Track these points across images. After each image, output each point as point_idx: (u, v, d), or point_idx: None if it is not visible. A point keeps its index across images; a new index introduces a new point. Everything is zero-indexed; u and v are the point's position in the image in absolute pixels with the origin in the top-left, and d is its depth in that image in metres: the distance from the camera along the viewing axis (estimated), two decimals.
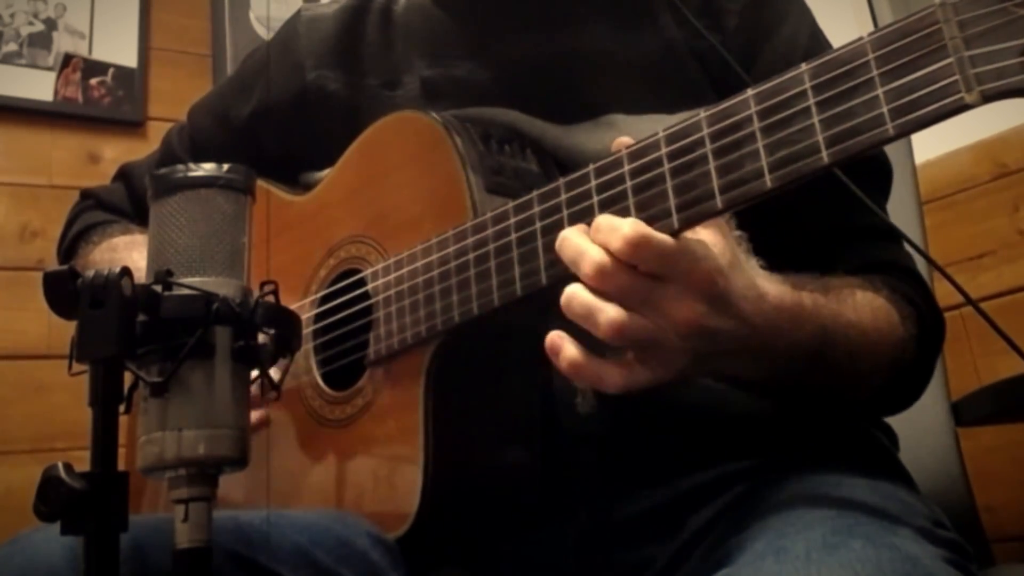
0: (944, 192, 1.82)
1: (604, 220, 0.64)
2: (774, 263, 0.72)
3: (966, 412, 1.15)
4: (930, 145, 1.78)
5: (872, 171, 0.88)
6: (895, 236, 0.87)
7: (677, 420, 0.81)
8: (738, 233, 0.69)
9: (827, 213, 0.84)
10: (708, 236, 0.65)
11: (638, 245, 0.61)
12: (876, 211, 0.81)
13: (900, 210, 1.04)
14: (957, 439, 1.16)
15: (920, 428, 1.08)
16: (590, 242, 0.64)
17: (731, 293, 0.63)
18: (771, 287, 0.68)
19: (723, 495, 0.78)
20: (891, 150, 0.91)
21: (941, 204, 1.82)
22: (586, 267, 0.63)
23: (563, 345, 0.65)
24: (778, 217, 0.75)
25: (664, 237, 0.62)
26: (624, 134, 0.70)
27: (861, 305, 0.76)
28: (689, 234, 0.64)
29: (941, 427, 1.16)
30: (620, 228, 0.62)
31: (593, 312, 0.63)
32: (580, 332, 0.65)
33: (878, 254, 0.86)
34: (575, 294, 0.64)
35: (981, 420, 1.21)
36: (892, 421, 0.92)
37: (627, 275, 0.62)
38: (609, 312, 0.62)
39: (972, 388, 1.18)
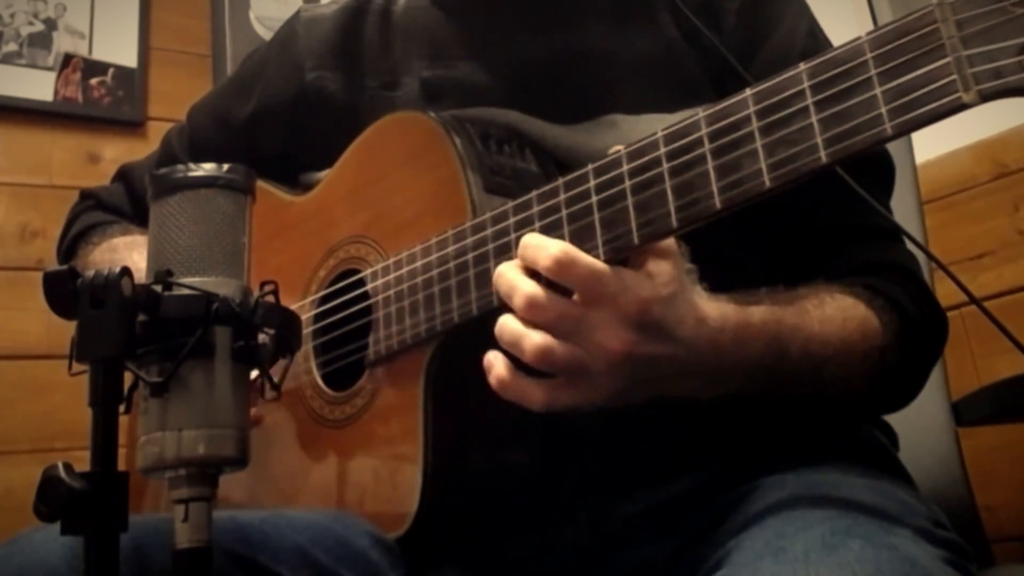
0: (944, 192, 1.82)
1: (532, 239, 0.66)
2: (769, 263, 0.72)
3: (966, 412, 1.14)
4: (930, 145, 1.78)
5: (874, 169, 0.88)
6: (896, 235, 0.87)
7: (676, 420, 0.81)
8: (689, 266, 0.70)
9: (828, 212, 0.84)
10: (654, 266, 0.66)
11: (564, 264, 0.64)
12: (879, 209, 0.81)
13: (900, 210, 1.03)
14: (957, 439, 1.16)
15: (920, 428, 1.08)
16: (522, 276, 0.66)
17: (665, 320, 0.65)
18: (712, 310, 0.68)
19: (722, 495, 0.78)
20: (891, 150, 0.91)
21: (941, 204, 1.82)
22: (517, 300, 0.66)
23: (494, 363, 0.68)
24: (779, 216, 0.75)
25: (592, 260, 0.64)
26: (624, 134, 0.71)
27: (830, 316, 0.76)
28: (632, 263, 0.66)
29: (941, 427, 1.15)
30: (547, 247, 0.65)
31: (519, 339, 0.66)
32: None
33: (877, 254, 0.86)
34: (505, 323, 0.67)
35: (981, 420, 1.21)
36: (892, 421, 0.92)
37: (556, 308, 0.65)
38: (534, 339, 0.65)
39: (972, 388, 1.18)
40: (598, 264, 0.64)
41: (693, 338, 0.66)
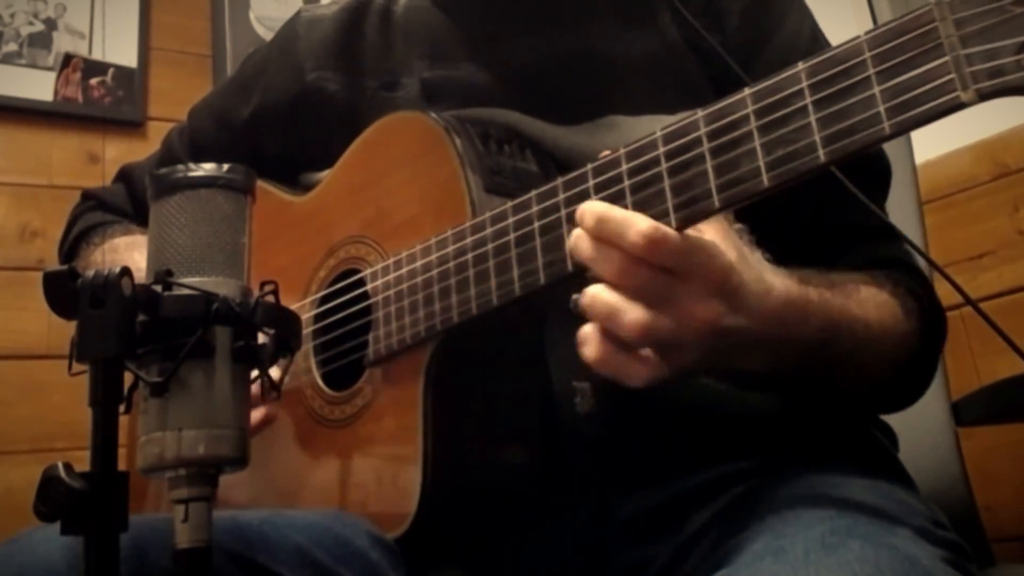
0: (944, 192, 1.82)
1: (612, 214, 0.63)
2: (777, 260, 0.72)
3: (966, 412, 1.15)
4: (930, 145, 1.78)
5: (871, 171, 0.88)
6: (895, 235, 0.87)
7: (676, 420, 0.81)
8: (739, 226, 0.69)
9: (827, 212, 0.84)
10: (712, 233, 0.65)
11: (657, 242, 0.61)
12: (875, 211, 0.81)
13: (900, 210, 1.04)
14: (957, 439, 1.16)
15: (920, 428, 1.08)
16: (599, 236, 0.63)
17: (743, 288, 0.64)
18: (778, 281, 0.68)
19: (722, 495, 0.78)
20: (891, 150, 0.91)
21: (941, 204, 1.82)
22: (604, 266, 0.63)
23: (589, 338, 0.65)
24: (778, 216, 0.75)
25: (677, 234, 0.62)
26: (625, 135, 0.71)
27: (865, 300, 0.77)
28: (692, 231, 0.64)
29: (941, 427, 1.16)
30: (635, 223, 0.62)
31: (617, 312, 0.63)
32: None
33: (880, 252, 0.86)
34: (597, 295, 0.64)
35: (981, 420, 1.21)
36: (892, 421, 0.92)
37: (648, 272, 0.62)
38: (634, 312, 0.62)
39: (972, 388, 1.18)
40: (688, 238, 0.62)
41: (760, 308, 0.65)
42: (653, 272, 0.62)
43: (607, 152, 0.69)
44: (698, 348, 0.64)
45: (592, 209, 0.64)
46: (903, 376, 0.82)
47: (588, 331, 0.65)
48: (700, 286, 0.62)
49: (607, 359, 0.64)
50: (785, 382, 0.76)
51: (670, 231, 0.62)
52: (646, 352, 0.64)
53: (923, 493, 0.84)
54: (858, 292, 0.77)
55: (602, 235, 0.63)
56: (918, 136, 1.28)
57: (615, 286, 0.63)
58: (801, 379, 0.75)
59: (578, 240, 0.65)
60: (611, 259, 0.63)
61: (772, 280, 0.67)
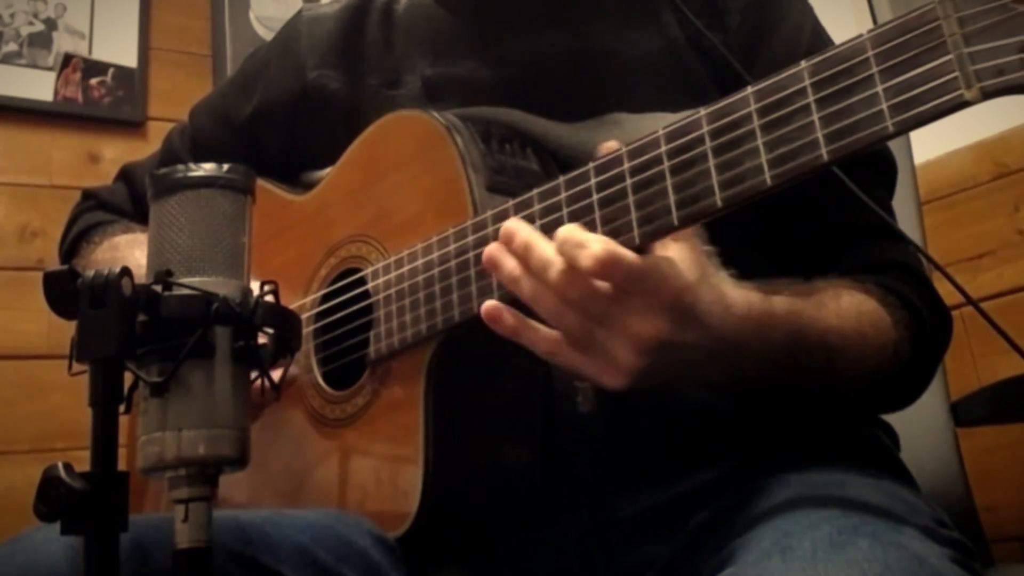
0: (944, 192, 1.82)
1: (569, 234, 0.64)
2: (774, 262, 0.72)
3: (965, 412, 1.15)
4: (930, 145, 1.78)
5: (876, 168, 0.88)
6: (898, 234, 0.87)
7: (678, 419, 0.81)
8: (707, 248, 0.69)
9: (830, 211, 0.84)
10: (676, 251, 0.66)
11: (606, 264, 0.62)
12: (877, 211, 0.81)
13: (900, 210, 1.03)
14: (957, 439, 1.16)
15: (920, 428, 1.08)
16: (555, 253, 0.65)
17: (696, 307, 0.65)
18: (739, 298, 0.68)
19: (725, 495, 0.78)
20: (891, 150, 0.91)
21: (941, 204, 1.82)
22: (552, 273, 0.65)
23: (500, 308, 0.69)
24: (781, 215, 0.75)
25: (632, 256, 0.63)
26: (628, 133, 0.70)
27: (846, 309, 0.77)
28: (658, 248, 0.66)
29: (941, 427, 1.16)
30: (587, 245, 0.63)
31: (538, 296, 0.66)
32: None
33: (880, 253, 0.86)
34: (523, 276, 0.67)
35: (980, 420, 1.21)
36: (892, 421, 0.92)
37: (590, 287, 0.64)
38: (551, 297, 0.66)
39: (972, 388, 1.18)
40: (639, 261, 0.63)
41: (719, 325, 0.66)
42: (595, 289, 0.64)
43: (611, 143, 0.69)
44: (638, 360, 0.65)
45: (558, 232, 0.66)
46: (893, 382, 0.82)
47: (492, 303, 0.69)
48: (646, 304, 0.64)
49: (515, 325, 0.69)
50: (750, 391, 0.77)
51: (623, 253, 0.63)
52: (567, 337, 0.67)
53: (923, 493, 0.83)
54: (838, 301, 0.77)
55: (561, 255, 0.65)
56: (918, 136, 1.28)
57: (558, 297, 0.66)
58: (771, 388, 0.76)
59: (530, 248, 0.67)
60: (556, 270, 0.65)
61: (732, 298, 0.68)
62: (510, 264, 0.68)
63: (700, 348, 0.65)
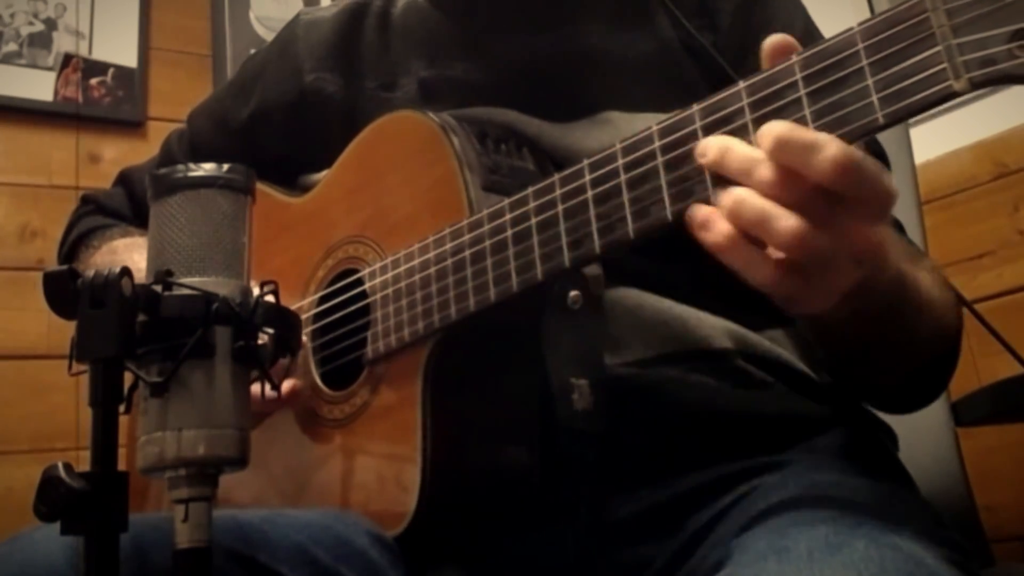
0: (944, 192, 1.83)
1: (792, 133, 0.57)
2: None
3: (966, 412, 1.15)
4: (930, 145, 1.78)
5: None
6: (899, 228, 0.87)
7: (676, 419, 0.81)
8: None
9: None
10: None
11: (847, 170, 0.55)
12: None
13: (899, 210, 1.03)
14: (957, 439, 1.16)
15: (920, 428, 1.08)
16: (760, 152, 0.58)
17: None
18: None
19: (723, 495, 0.78)
20: (890, 150, 0.91)
21: (941, 204, 1.82)
22: (764, 173, 0.57)
23: (713, 219, 0.59)
24: None
25: (869, 159, 0.57)
26: (621, 132, 0.70)
27: (924, 273, 0.77)
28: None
29: (941, 427, 1.16)
30: (822, 147, 0.55)
31: (770, 218, 0.57)
32: (579, 334, 0.65)
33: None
34: (746, 199, 0.58)
35: (981, 420, 1.21)
36: (892, 421, 0.92)
37: (810, 187, 0.56)
38: (789, 220, 0.56)
39: (972, 388, 1.18)
40: (875, 163, 0.56)
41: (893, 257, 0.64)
42: (815, 189, 0.56)
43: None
44: (851, 278, 0.59)
45: (771, 132, 0.58)
46: (943, 362, 0.82)
47: (707, 211, 0.59)
48: (868, 211, 0.57)
49: (735, 246, 0.58)
50: (852, 338, 0.73)
51: (863, 158, 0.56)
52: (780, 256, 0.58)
53: (923, 493, 0.84)
54: (922, 261, 0.77)
55: (782, 158, 0.57)
56: (918, 136, 1.28)
57: (769, 195, 0.57)
58: (870, 334, 0.72)
59: (728, 151, 0.60)
60: (770, 168, 0.57)
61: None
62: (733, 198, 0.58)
63: (884, 274, 0.62)
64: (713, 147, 0.61)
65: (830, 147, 0.55)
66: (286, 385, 0.87)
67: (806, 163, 0.56)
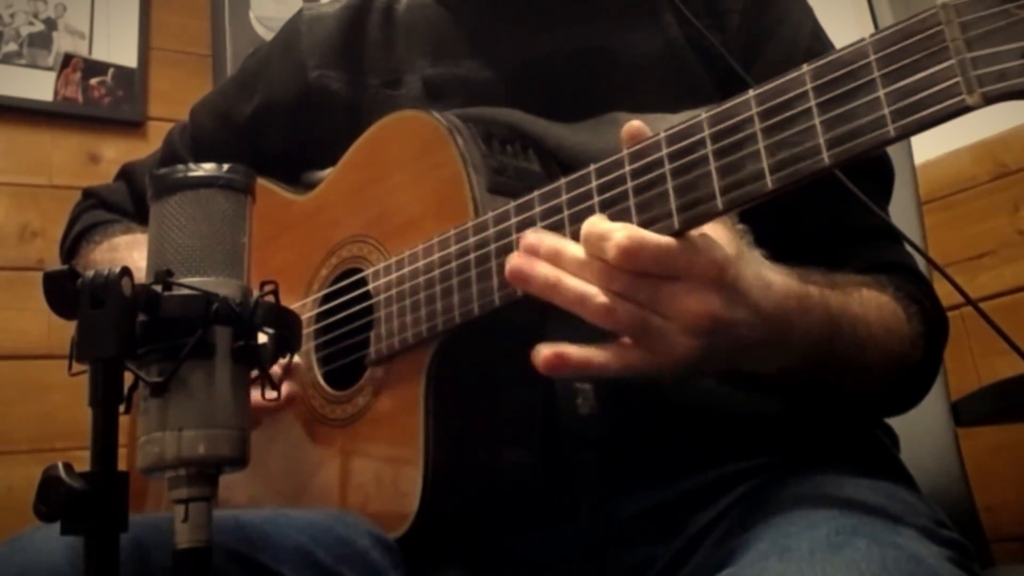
0: (944, 192, 1.82)
1: (593, 229, 0.63)
2: (778, 261, 0.72)
3: (966, 412, 1.15)
4: (930, 145, 1.78)
5: (874, 173, 0.88)
6: (897, 237, 0.87)
7: (678, 421, 0.81)
8: (740, 226, 0.69)
9: (829, 214, 0.84)
10: (711, 229, 0.64)
11: (631, 253, 0.61)
12: (877, 212, 0.81)
13: (900, 210, 1.04)
14: (957, 439, 1.16)
15: (920, 428, 1.08)
16: (584, 251, 0.64)
17: (741, 282, 0.63)
18: (777, 277, 0.67)
19: (725, 496, 0.78)
20: (891, 150, 0.91)
21: (941, 204, 1.82)
22: (593, 273, 0.63)
23: (541, 348, 0.65)
24: (780, 219, 0.75)
25: (659, 238, 0.61)
26: None
27: (867, 301, 0.76)
28: (694, 232, 0.64)
29: (941, 427, 1.15)
30: (611, 236, 0.61)
31: (584, 297, 0.63)
32: (582, 336, 0.65)
33: (881, 255, 0.86)
34: (564, 281, 0.64)
35: (981, 420, 1.21)
36: (892, 421, 0.92)
37: (629, 278, 0.62)
38: (600, 297, 0.62)
39: (972, 388, 1.18)
40: (665, 241, 0.61)
41: (763, 303, 0.64)
42: (635, 278, 0.62)
43: (636, 122, 0.68)
44: (692, 342, 0.62)
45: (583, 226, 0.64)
46: (908, 378, 0.82)
47: (547, 350, 0.65)
48: (691, 283, 0.61)
49: (568, 355, 0.64)
50: (793, 384, 0.76)
51: (648, 237, 0.61)
52: (625, 341, 0.64)
53: (923, 493, 0.84)
54: (859, 293, 0.76)
55: (588, 249, 0.63)
56: (918, 136, 1.28)
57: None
58: (808, 380, 0.75)
59: (560, 254, 0.65)
60: (595, 266, 0.63)
61: (771, 276, 0.67)
62: (543, 271, 0.65)
63: (752, 326, 0.63)
64: (544, 249, 0.66)
65: (617, 234, 0.61)
66: (283, 389, 0.86)
67: (603, 251, 0.62)
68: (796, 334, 0.68)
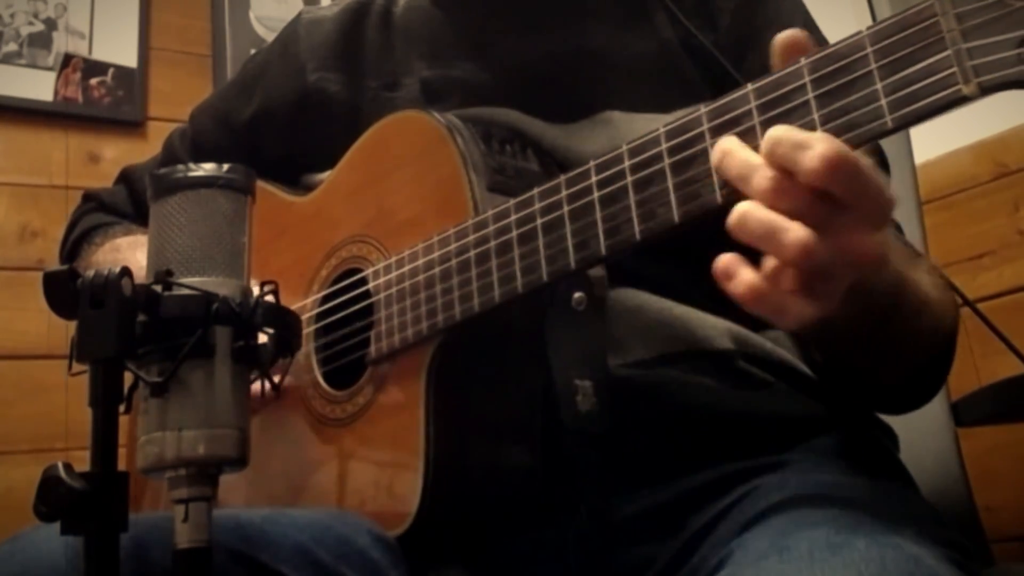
0: (944, 192, 1.83)
1: (786, 134, 0.57)
2: None
3: (966, 412, 1.15)
4: (930, 145, 1.78)
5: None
6: (898, 228, 0.87)
7: (678, 419, 0.81)
8: None
9: None
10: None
11: (836, 165, 0.54)
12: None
13: (900, 210, 1.03)
14: (957, 439, 1.16)
15: (920, 428, 1.08)
16: (758, 157, 0.58)
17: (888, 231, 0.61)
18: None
19: (725, 495, 0.78)
20: (890, 150, 0.91)
21: (941, 204, 1.82)
22: (761, 181, 0.57)
23: (738, 269, 0.58)
24: None
25: (859, 156, 0.56)
26: (621, 132, 0.71)
27: (921, 272, 0.77)
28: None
29: (941, 427, 1.16)
30: (811, 144, 0.55)
31: (777, 231, 0.56)
32: (579, 337, 0.64)
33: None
34: (750, 211, 0.57)
35: (981, 420, 1.21)
36: (892, 421, 0.92)
37: (807, 193, 0.56)
38: (797, 232, 0.55)
39: (972, 388, 1.18)
40: (868, 162, 0.56)
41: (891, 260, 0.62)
42: (813, 194, 0.56)
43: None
44: (847, 285, 0.58)
45: (768, 133, 0.58)
46: (941, 361, 0.81)
47: (729, 261, 0.58)
48: (864, 217, 0.56)
49: (766, 292, 0.57)
50: (851, 342, 0.73)
51: (852, 154, 0.55)
52: (805, 289, 0.57)
53: (923, 493, 0.84)
54: (918, 263, 0.77)
55: (773, 158, 0.57)
56: (918, 136, 1.28)
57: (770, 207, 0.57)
58: (868, 337, 0.72)
59: (726, 155, 0.60)
60: (767, 175, 0.57)
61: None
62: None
63: (882, 277, 0.61)
64: (716, 151, 0.60)
65: (819, 144, 0.55)
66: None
67: (796, 161, 0.55)
68: (887, 285, 0.65)
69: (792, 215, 0.56)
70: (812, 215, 0.56)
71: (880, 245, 0.57)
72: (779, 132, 0.57)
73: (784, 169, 0.56)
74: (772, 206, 0.56)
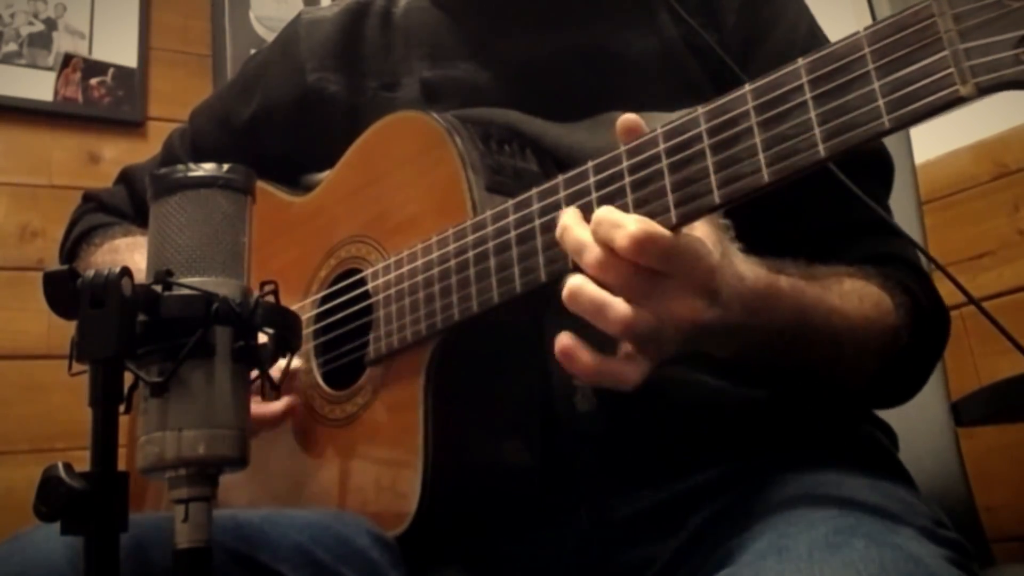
0: (944, 192, 1.82)
1: (606, 215, 0.63)
2: (777, 255, 0.72)
3: (966, 412, 1.14)
4: (930, 145, 1.78)
5: (873, 165, 0.89)
6: (895, 231, 0.87)
7: (677, 419, 0.81)
8: (725, 222, 0.69)
9: (829, 208, 0.84)
10: (702, 230, 0.66)
11: (643, 244, 0.61)
12: (874, 207, 0.81)
13: (900, 210, 1.03)
14: (957, 439, 1.16)
15: (920, 428, 1.08)
16: (591, 234, 0.64)
17: (722, 285, 0.65)
18: (749, 270, 0.68)
19: (724, 495, 0.78)
20: (891, 150, 0.91)
21: (941, 204, 1.82)
22: (589, 258, 0.63)
23: (576, 350, 0.65)
24: (780, 213, 0.75)
25: (667, 235, 0.62)
26: None
27: (848, 292, 0.77)
28: (686, 228, 0.65)
29: (941, 427, 1.15)
30: (624, 225, 0.62)
31: (602, 308, 0.63)
32: (579, 329, 0.65)
33: (880, 247, 0.86)
34: (582, 288, 0.64)
35: (981, 420, 1.21)
36: (892, 421, 0.92)
37: (629, 268, 0.62)
38: (619, 307, 0.62)
39: (972, 388, 1.18)
40: (676, 240, 0.62)
41: (732, 297, 0.65)
42: (635, 268, 0.62)
43: (630, 115, 0.69)
44: (676, 342, 0.65)
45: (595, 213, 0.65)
46: (894, 370, 0.82)
47: (568, 343, 0.65)
48: (682, 284, 0.63)
49: (600, 369, 0.65)
50: (753, 367, 0.77)
51: (659, 233, 0.62)
52: (628, 349, 0.65)
53: (923, 493, 0.83)
54: (840, 284, 0.77)
55: (596, 237, 0.63)
56: (918, 136, 1.28)
57: (595, 280, 0.63)
58: (771, 365, 0.76)
59: (564, 230, 0.66)
60: (594, 253, 0.63)
61: (744, 270, 0.68)
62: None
63: (722, 322, 0.65)
64: (559, 226, 0.67)
65: (631, 225, 0.61)
66: (283, 402, 0.87)
67: (613, 239, 0.62)
68: (759, 324, 0.69)
69: (617, 286, 0.63)
70: (633, 286, 0.63)
71: (704, 309, 0.63)
72: (601, 213, 0.64)
73: (607, 247, 0.62)
74: (601, 278, 0.63)
